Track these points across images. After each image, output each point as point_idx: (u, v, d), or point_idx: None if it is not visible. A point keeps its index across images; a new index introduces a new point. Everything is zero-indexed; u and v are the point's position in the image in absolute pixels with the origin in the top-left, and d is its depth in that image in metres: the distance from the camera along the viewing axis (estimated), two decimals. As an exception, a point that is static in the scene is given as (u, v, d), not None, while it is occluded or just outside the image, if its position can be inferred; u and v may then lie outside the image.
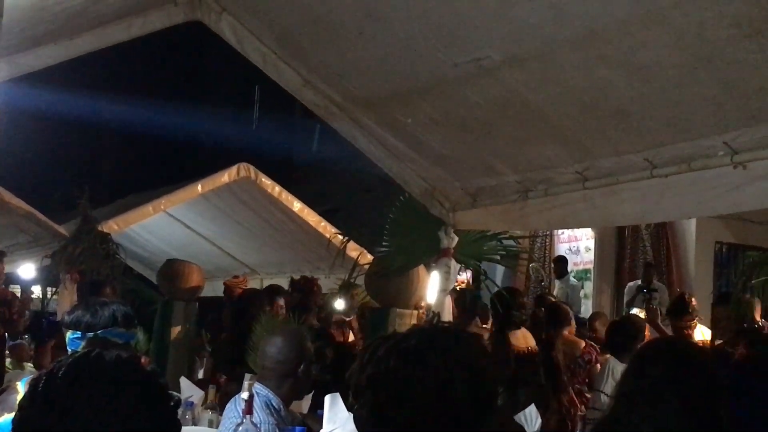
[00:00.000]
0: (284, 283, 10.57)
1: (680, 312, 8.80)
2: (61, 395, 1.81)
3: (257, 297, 8.83)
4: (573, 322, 8.78)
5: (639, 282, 13.17)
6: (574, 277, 15.15)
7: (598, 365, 8.21)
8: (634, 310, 11.39)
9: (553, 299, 10.72)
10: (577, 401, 7.87)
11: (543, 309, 9.53)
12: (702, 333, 9.29)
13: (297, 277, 11.09)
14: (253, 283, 14.18)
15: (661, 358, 3.28)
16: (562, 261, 14.89)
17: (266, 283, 13.62)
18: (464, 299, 8.84)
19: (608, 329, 8.51)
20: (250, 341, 7.29)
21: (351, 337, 10.09)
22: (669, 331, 8.45)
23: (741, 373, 3.49)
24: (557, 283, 14.73)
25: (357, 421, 2.25)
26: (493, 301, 8.18)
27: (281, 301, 9.11)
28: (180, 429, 1.99)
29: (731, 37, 4.22)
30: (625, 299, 13.12)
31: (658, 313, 8.89)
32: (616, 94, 5.18)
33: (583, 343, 8.35)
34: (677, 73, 4.72)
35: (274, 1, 6.40)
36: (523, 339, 7.93)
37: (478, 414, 2.17)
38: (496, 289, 8.35)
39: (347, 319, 10.47)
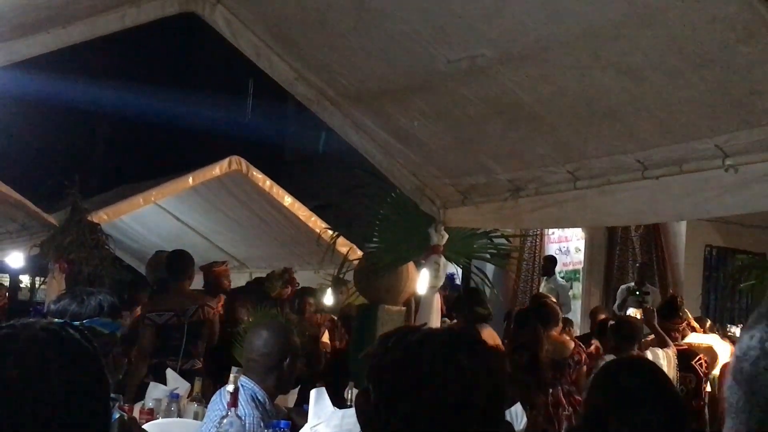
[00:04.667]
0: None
1: (670, 314, 8.83)
2: None
3: None
4: (560, 323, 8.78)
5: (631, 284, 13.18)
6: (562, 277, 15.15)
7: (585, 366, 8.23)
8: (629, 311, 11.40)
9: (547, 299, 10.74)
10: (564, 401, 7.88)
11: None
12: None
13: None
14: (242, 277, 14.18)
15: (633, 372, 3.36)
16: (551, 260, 14.87)
17: (255, 276, 13.63)
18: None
19: (608, 329, 8.56)
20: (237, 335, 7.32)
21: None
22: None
23: None
24: (543, 281, 14.71)
25: (361, 411, 2.23)
26: (459, 298, 8.32)
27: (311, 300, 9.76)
28: (108, 389, 1.95)
29: (724, 40, 4.22)
30: (618, 301, 13.11)
31: (655, 314, 8.90)
32: (609, 95, 5.18)
33: (572, 344, 8.36)
34: (670, 75, 4.73)
35: (269, -6, 6.40)
36: (490, 337, 7.98)
37: (487, 424, 2.16)
38: (488, 287, 8.42)
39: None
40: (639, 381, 3.26)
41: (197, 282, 10.41)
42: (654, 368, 3.55)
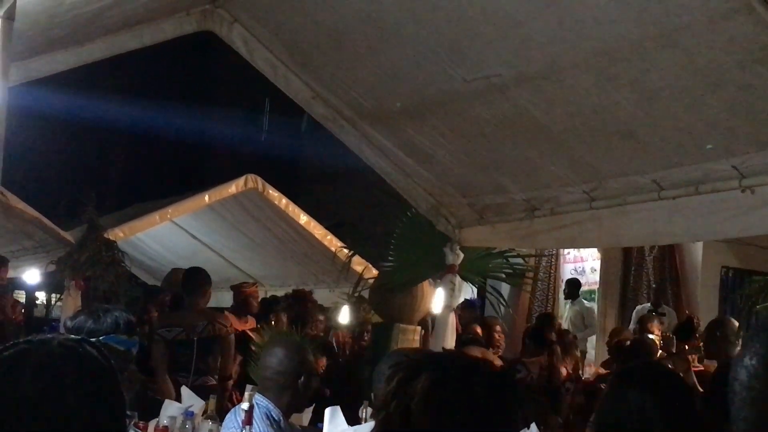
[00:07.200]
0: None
1: (687, 335, 8.80)
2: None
3: None
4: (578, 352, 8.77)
5: (647, 305, 13.08)
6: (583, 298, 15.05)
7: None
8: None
9: (560, 322, 10.70)
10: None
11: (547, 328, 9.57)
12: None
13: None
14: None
15: (644, 383, 3.29)
16: (575, 284, 14.70)
17: (270, 294, 13.65)
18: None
19: (622, 350, 8.54)
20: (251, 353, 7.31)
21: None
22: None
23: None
24: (568, 304, 14.57)
25: None
26: None
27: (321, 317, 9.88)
28: (124, 406, 1.93)
29: (742, 61, 4.21)
30: (635, 324, 12.97)
31: (674, 341, 8.84)
32: (625, 115, 5.17)
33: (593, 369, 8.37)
34: (687, 95, 4.72)
35: (286, 14, 6.41)
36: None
37: None
38: (503, 306, 8.41)
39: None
40: (650, 394, 3.22)
41: (228, 301, 10.46)
42: (666, 378, 3.48)
